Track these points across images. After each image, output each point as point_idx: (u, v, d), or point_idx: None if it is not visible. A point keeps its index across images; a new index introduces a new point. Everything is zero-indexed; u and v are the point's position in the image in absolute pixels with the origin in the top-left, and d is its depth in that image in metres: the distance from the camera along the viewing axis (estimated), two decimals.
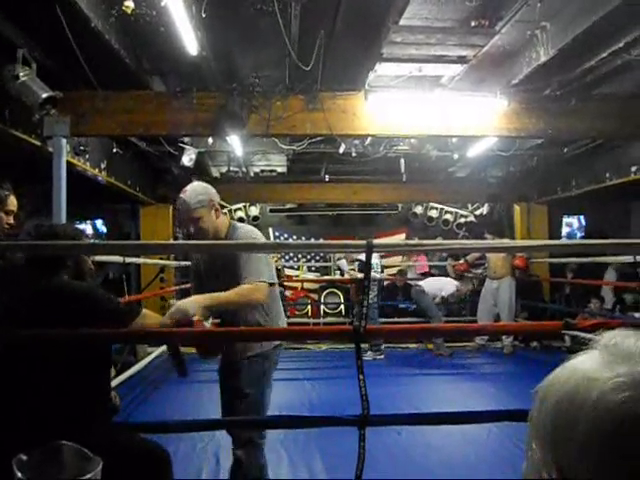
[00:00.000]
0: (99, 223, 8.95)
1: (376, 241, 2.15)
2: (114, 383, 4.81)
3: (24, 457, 1.08)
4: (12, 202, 2.54)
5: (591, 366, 0.49)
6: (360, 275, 7.40)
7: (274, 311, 2.63)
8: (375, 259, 7.56)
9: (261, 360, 2.54)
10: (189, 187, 2.62)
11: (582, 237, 9.73)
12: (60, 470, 1.12)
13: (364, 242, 2.03)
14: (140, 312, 2.04)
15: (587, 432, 0.46)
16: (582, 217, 9.69)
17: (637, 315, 6.70)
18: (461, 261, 8.50)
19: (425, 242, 2.16)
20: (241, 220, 10.23)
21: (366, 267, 2.07)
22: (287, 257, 10.39)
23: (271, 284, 2.48)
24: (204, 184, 2.76)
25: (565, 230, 9.83)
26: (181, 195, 2.58)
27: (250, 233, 2.65)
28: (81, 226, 8.63)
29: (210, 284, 2.54)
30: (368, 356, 7.03)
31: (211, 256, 2.66)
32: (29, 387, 1.76)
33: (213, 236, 2.56)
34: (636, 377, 0.46)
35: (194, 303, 2.23)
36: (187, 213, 2.55)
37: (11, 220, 2.52)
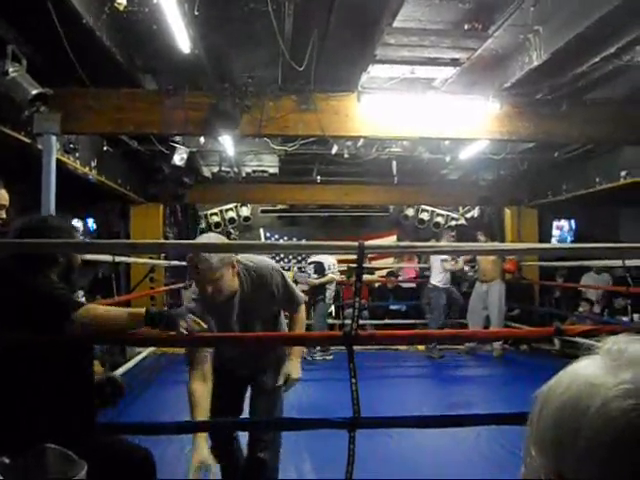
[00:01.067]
0: (90, 221, 8.87)
1: (368, 242, 2.14)
2: None
3: (7, 460, 1.06)
4: (3, 196, 2.51)
5: (594, 372, 0.48)
6: (317, 281, 7.48)
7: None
8: (331, 259, 7.54)
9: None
10: (207, 237, 2.65)
11: (572, 241, 9.78)
12: (44, 473, 1.10)
13: (356, 243, 2.02)
14: (80, 305, 1.89)
15: (590, 439, 0.45)
16: (572, 221, 9.73)
17: (625, 319, 6.75)
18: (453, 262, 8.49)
19: (417, 244, 2.15)
20: (232, 221, 10.20)
21: (357, 269, 2.06)
22: (278, 258, 10.36)
23: None
24: (221, 237, 2.80)
25: (556, 233, 9.88)
26: (201, 255, 2.35)
27: (264, 267, 2.54)
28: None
29: (240, 320, 2.49)
30: (318, 356, 7.15)
31: (246, 295, 2.48)
32: (9, 390, 1.73)
33: (228, 291, 2.42)
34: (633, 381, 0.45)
35: (298, 370, 2.51)
36: (209, 274, 2.32)
37: (3, 215, 2.49)
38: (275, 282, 2.49)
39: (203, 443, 2.13)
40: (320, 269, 7.51)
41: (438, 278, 7.70)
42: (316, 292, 7.66)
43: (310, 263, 7.65)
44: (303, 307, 2.70)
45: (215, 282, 2.32)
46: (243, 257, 2.52)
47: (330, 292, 7.76)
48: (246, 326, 2.52)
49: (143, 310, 1.93)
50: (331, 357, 7.19)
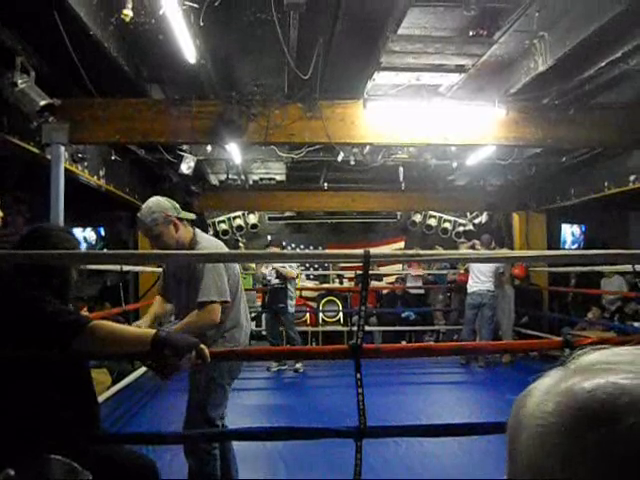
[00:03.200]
0: (102, 230, 8.95)
1: (373, 251, 2.13)
2: (111, 392, 4.79)
3: (11, 472, 1.06)
4: None
5: (547, 378, 0.48)
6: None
7: (228, 321, 2.68)
8: (294, 265, 7.30)
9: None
10: (144, 205, 2.67)
11: (580, 246, 9.72)
12: None
13: (361, 251, 2.01)
14: (83, 329, 1.78)
15: (513, 438, 0.47)
16: (582, 226, 9.66)
17: (636, 325, 6.69)
18: (461, 271, 8.45)
19: (422, 252, 2.14)
20: (239, 228, 10.24)
21: (363, 277, 2.05)
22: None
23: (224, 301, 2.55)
24: (157, 199, 2.73)
25: (569, 239, 9.80)
26: (137, 214, 2.63)
27: (213, 242, 2.78)
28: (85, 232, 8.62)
29: (173, 289, 2.73)
30: (274, 367, 6.96)
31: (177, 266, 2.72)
32: (12, 401, 1.73)
33: (176, 248, 2.60)
34: (570, 387, 0.44)
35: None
36: (145, 233, 2.62)
37: None
38: (200, 267, 2.50)
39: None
40: (282, 274, 7.14)
41: (491, 284, 7.40)
42: (275, 299, 7.23)
43: (272, 269, 7.26)
44: (209, 309, 2.48)
45: (155, 239, 2.56)
46: (202, 236, 2.74)
47: (291, 300, 7.22)
48: (178, 296, 2.69)
49: (152, 333, 1.83)
50: (299, 365, 6.98)
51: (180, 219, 2.67)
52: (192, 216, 2.77)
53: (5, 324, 1.78)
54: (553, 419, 0.43)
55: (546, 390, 0.46)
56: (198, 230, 2.80)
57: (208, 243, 2.72)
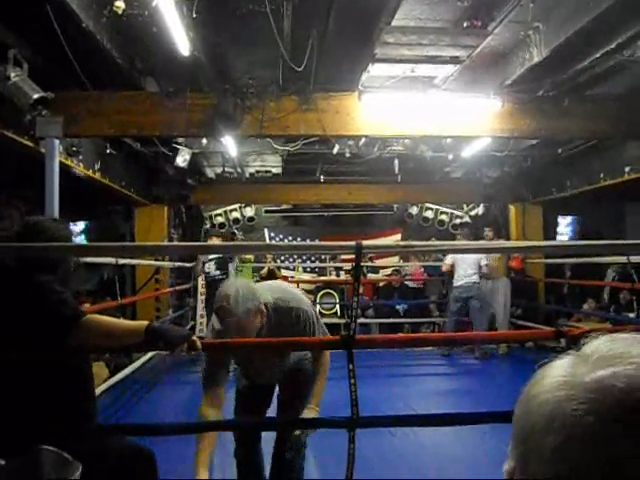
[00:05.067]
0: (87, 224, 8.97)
1: (366, 242, 2.14)
2: (108, 384, 4.80)
3: (2, 462, 1.07)
4: None
5: (555, 367, 0.48)
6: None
7: None
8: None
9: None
10: (231, 289, 2.18)
11: (573, 238, 9.74)
12: (39, 475, 1.11)
13: (353, 243, 2.02)
14: (77, 323, 1.78)
15: (524, 427, 0.47)
16: (569, 218, 9.68)
17: (631, 315, 6.71)
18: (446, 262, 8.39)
19: (415, 243, 2.15)
20: (236, 221, 10.21)
21: (355, 269, 2.06)
22: (283, 257, 10.38)
23: None
24: (248, 283, 2.35)
25: (563, 230, 9.82)
26: (224, 303, 2.15)
27: (295, 303, 2.34)
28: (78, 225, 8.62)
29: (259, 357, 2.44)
30: None
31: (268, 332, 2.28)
32: (5, 392, 1.74)
33: (252, 335, 2.24)
34: (579, 378, 0.44)
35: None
36: (234, 324, 2.14)
37: None
38: (303, 322, 2.29)
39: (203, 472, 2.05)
40: (223, 265, 6.91)
41: (476, 275, 7.37)
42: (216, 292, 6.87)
43: (211, 260, 6.94)
44: (328, 353, 2.40)
45: (239, 331, 2.14)
46: (274, 295, 2.30)
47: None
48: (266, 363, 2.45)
49: (145, 324, 1.85)
50: None
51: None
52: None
53: (8, 309, 1.79)
54: (592, 418, 0.42)
55: (569, 384, 0.45)
56: (272, 299, 2.33)
57: (290, 309, 2.31)
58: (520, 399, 0.50)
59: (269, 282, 2.75)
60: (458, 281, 7.44)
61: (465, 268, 7.35)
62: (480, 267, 7.37)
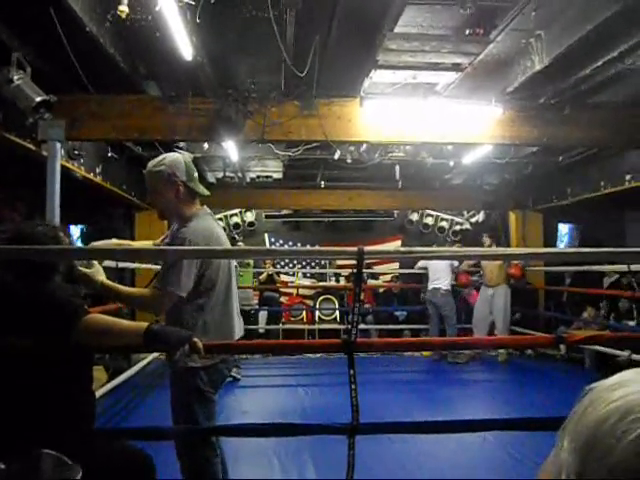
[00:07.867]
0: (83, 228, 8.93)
1: (367, 248, 2.13)
2: (107, 388, 4.79)
3: (2, 466, 1.06)
4: None
5: (636, 388, 0.45)
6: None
7: (210, 315, 2.37)
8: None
9: (192, 375, 2.34)
10: (163, 155, 2.42)
11: (569, 245, 9.72)
12: (39, 478, 1.10)
13: (355, 249, 2.01)
14: (79, 322, 1.80)
15: (619, 462, 0.43)
16: (569, 226, 9.65)
17: (631, 323, 6.71)
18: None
19: (416, 249, 2.14)
20: (236, 226, 10.21)
21: (356, 274, 2.06)
22: (282, 263, 10.37)
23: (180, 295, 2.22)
24: (177, 156, 2.44)
25: (564, 238, 9.81)
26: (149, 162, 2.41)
27: (202, 227, 2.35)
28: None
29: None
30: (234, 372, 5.95)
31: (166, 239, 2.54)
32: (5, 394, 1.73)
33: (171, 217, 2.43)
34: None
35: (99, 275, 2.21)
36: (146, 180, 2.37)
37: None
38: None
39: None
40: None
41: (447, 282, 7.60)
42: None
43: None
44: (165, 294, 2.20)
45: (151, 193, 2.37)
46: (203, 219, 2.41)
47: None
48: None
49: (145, 326, 1.84)
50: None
51: (189, 188, 2.38)
52: (205, 192, 2.48)
53: (8, 309, 1.79)
54: None
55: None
56: (207, 214, 2.49)
57: (198, 226, 2.35)
58: (598, 408, 0.46)
59: None
60: (428, 286, 7.73)
61: (434, 272, 7.60)
62: (452, 272, 7.66)
